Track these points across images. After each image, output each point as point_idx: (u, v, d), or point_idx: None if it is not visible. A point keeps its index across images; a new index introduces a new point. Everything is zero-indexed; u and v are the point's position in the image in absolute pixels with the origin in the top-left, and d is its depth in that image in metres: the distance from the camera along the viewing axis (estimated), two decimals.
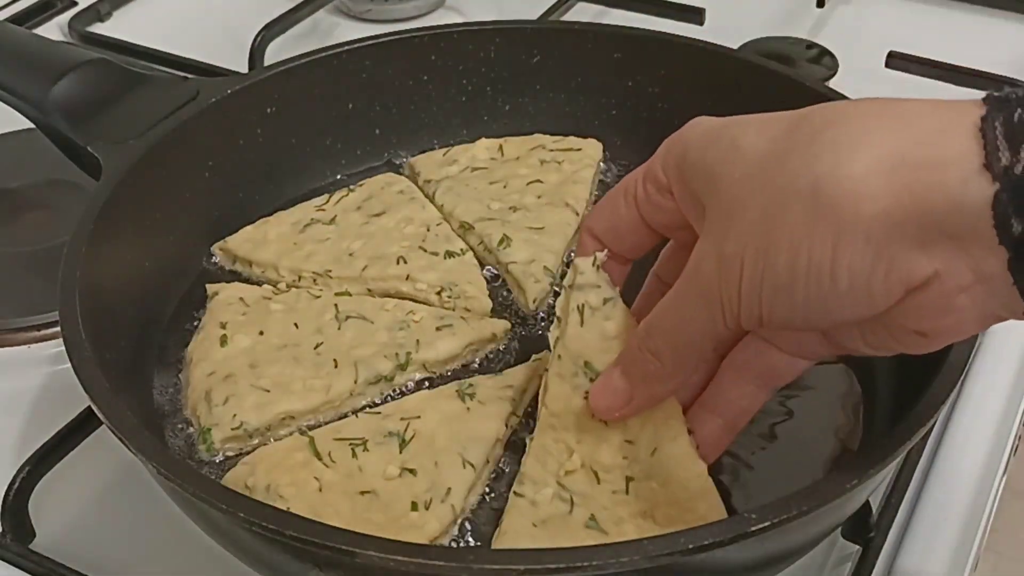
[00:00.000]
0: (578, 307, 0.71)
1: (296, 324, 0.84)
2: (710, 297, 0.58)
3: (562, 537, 0.66)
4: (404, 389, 0.81)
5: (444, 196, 0.97)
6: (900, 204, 0.50)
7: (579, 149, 1.01)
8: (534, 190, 0.96)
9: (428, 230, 0.93)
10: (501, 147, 1.01)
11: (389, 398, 0.81)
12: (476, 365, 0.84)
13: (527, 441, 0.73)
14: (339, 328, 0.83)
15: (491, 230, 0.92)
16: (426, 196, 0.98)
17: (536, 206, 0.95)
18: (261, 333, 0.83)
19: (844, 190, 0.51)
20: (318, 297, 0.87)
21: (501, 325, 0.85)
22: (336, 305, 0.85)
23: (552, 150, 1.01)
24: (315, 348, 0.81)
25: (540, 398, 0.74)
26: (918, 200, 0.50)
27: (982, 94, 0.52)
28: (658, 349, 0.63)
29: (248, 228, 0.93)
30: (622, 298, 0.71)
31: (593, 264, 0.70)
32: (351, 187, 0.98)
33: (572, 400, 0.71)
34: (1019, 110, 0.50)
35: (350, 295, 0.88)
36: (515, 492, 0.70)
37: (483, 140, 1.02)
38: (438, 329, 0.83)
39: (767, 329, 0.62)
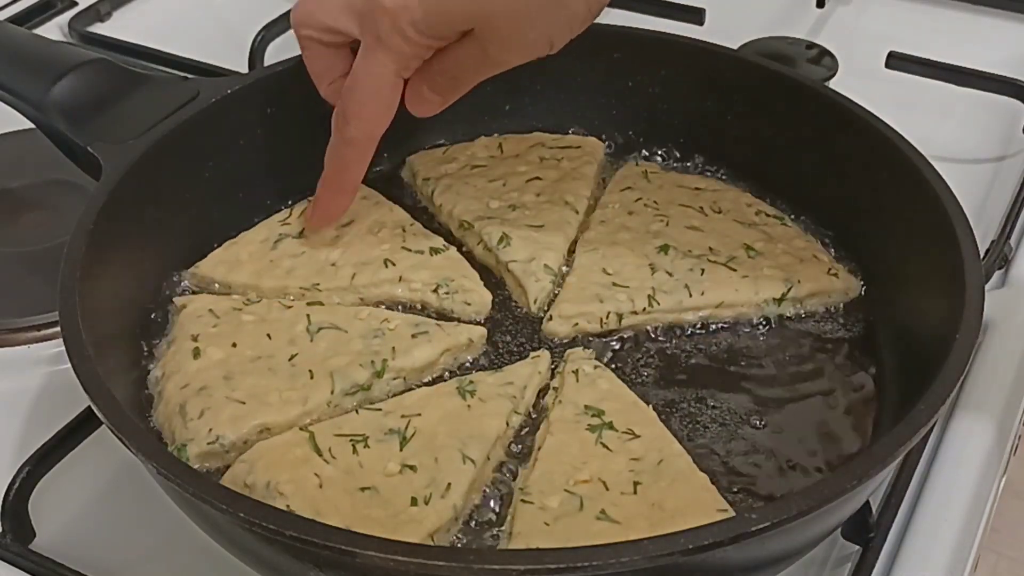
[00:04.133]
0: (573, 371, 0.80)
1: (269, 335, 0.82)
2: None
3: (575, 531, 0.67)
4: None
5: (443, 195, 0.96)
6: None
7: (579, 147, 1.01)
8: (533, 188, 0.96)
9: (404, 231, 0.92)
10: (500, 145, 1.01)
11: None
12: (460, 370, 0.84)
13: (526, 464, 0.74)
14: (311, 340, 0.82)
15: (490, 228, 0.92)
16: (424, 195, 0.98)
17: (535, 204, 0.94)
18: (234, 345, 0.82)
19: None
20: (289, 307, 0.86)
21: (477, 331, 0.84)
22: (308, 316, 0.84)
23: (552, 148, 1.00)
24: (289, 359, 0.80)
25: (540, 434, 0.76)
26: None
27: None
28: None
29: (217, 251, 0.92)
30: None
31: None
32: (311, 198, 0.95)
33: (577, 432, 0.74)
34: None
35: (322, 304, 0.86)
36: (522, 500, 0.70)
37: (482, 138, 1.02)
38: (413, 336, 0.82)
39: None
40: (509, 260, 0.90)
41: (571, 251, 0.92)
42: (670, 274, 0.87)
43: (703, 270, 0.88)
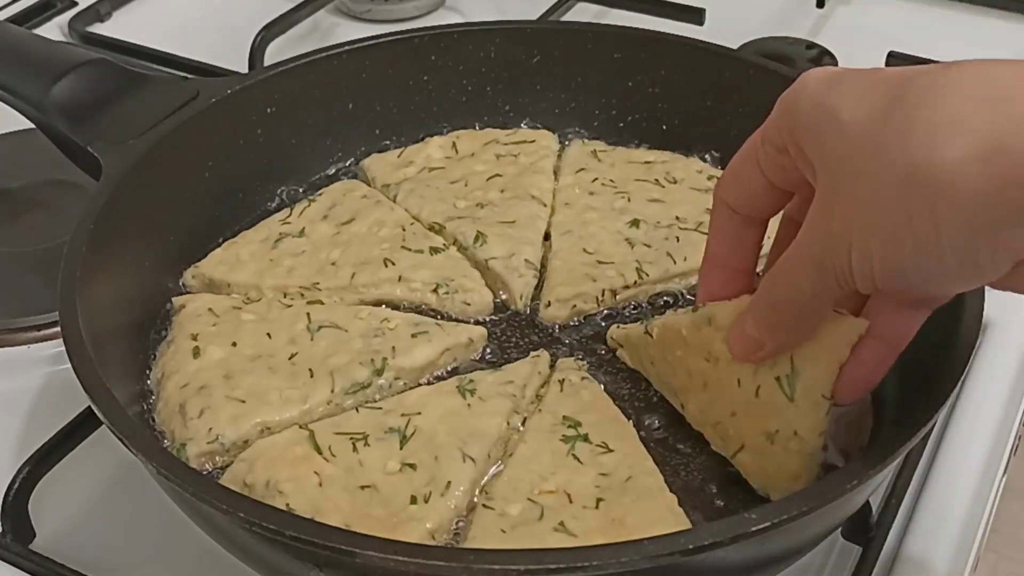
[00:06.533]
0: (559, 381, 0.80)
1: (268, 334, 0.82)
2: (823, 266, 0.59)
3: (530, 541, 0.67)
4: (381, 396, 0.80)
5: (407, 199, 0.96)
6: (1000, 189, 0.51)
7: (532, 141, 1.01)
8: (495, 185, 0.96)
9: (404, 230, 0.92)
10: (455, 144, 1.01)
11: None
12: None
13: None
14: (312, 339, 0.82)
15: (464, 228, 0.92)
16: (386, 199, 0.97)
17: (502, 200, 0.95)
18: (234, 344, 0.81)
19: (940, 179, 0.52)
20: (289, 306, 0.85)
21: (477, 331, 0.84)
22: (308, 315, 0.84)
23: (506, 143, 1.01)
24: (289, 358, 0.80)
25: (513, 440, 0.76)
26: (1018, 185, 0.51)
27: None
28: (777, 304, 0.64)
29: (217, 251, 0.92)
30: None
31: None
32: (311, 197, 0.96)
33: (551, 442, 0.74)
34: None
35: (322, 304, 0.86)
36: (484, 505, 0.70)
37: (436, 138, 1.02)
38: (413, 336, 0.82)
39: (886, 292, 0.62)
40: (489, 258, 0.89)
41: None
42: (648, 246, 0.88)
43: (678, 238, 0.88)
